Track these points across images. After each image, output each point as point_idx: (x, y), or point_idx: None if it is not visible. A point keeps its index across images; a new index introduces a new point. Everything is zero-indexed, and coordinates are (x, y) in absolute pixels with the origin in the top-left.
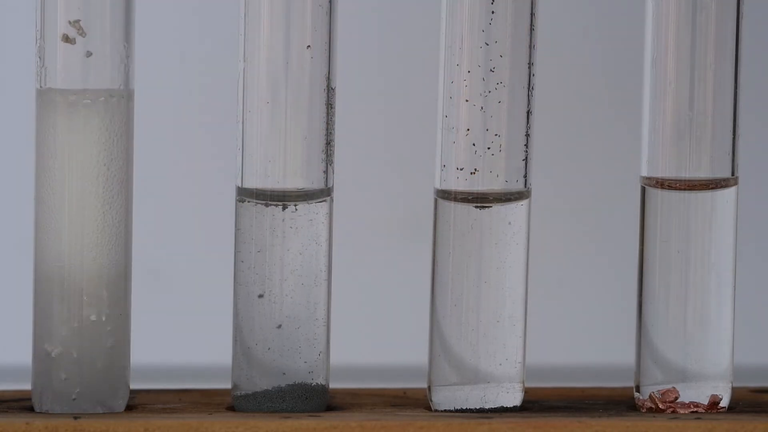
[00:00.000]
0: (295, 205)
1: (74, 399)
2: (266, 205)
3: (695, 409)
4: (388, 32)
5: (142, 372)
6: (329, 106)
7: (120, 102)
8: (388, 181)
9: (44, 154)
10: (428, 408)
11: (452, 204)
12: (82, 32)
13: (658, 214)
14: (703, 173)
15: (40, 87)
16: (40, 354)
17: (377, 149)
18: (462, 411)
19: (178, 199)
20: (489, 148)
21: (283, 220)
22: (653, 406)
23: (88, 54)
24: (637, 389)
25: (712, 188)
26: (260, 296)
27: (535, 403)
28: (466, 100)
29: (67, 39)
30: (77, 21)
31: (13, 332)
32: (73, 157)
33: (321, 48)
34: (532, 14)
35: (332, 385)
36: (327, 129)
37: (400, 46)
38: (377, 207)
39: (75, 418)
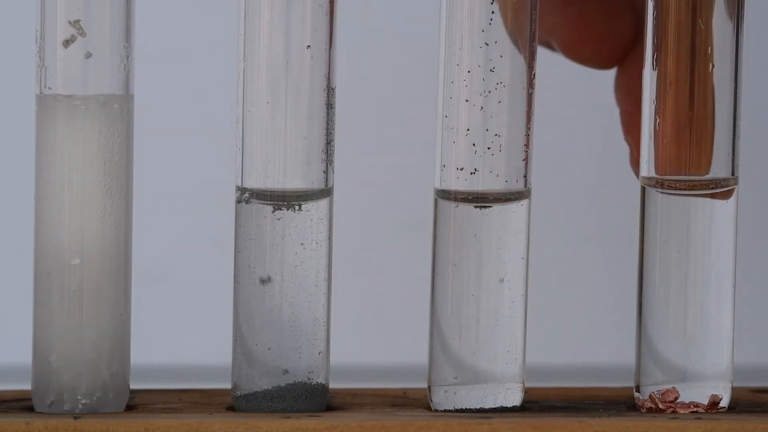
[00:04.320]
0: (295, 205)
1: (74, 399)
2: (266, 205)
3: (695, 409)
4: (388, 32)
5: (142, 372)
6: (329, 106)
7: (120, 102)
8: (388, 181)
9: (44, 155)
10: (428, 408)
11: (452, 204)
12: (82, 32)
13: (658, 214)
14: (703, 173)
15: (40, 88)
16: (40, 354)
17: (377, 149)
18: (462, 411)
19: (178, 200)
20: (489, 148)
21: (283, 220)
22: (653, 406)
23: (88, 55)
24: (637, 389)
25: (713, 188)
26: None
27: (535, 403)
28: (466, 100)
29: (67, 43)
30: (77, 21)
31: (13, 332)
32: (73, 157)
33: (321, 48)
34: (532, 14)
35: (332, 385)
36: (327, 129)
37: (400, 45)
38: (377, 207)
39: (75, 418)
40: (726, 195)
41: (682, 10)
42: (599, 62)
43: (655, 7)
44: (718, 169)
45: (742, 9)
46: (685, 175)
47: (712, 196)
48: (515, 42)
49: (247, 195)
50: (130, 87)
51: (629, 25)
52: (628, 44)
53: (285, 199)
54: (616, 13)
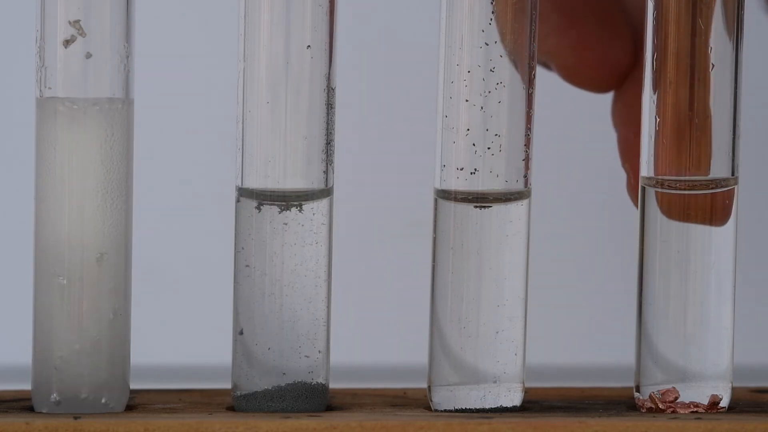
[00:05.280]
0: (295, 205)
1: (74, 399)
2: (266, 205)
3: (695, 409)
4: (388, 32)
5: (142, 372)
6: (329, 106)
7: (120, 102)
8: (388, 181)
9: (44, 155)
10: (428, 408)
11: (452, 204)
12: (82, 32)
13: (657, 214)
14: (703, 173)
15: (40, 88)
16: (40, 354)
17: (377, 149)
18: (462, 411)
19: (178, 200)
20: (489, 148)
21: (284, 221)
22: (653, 406)
23: (88, 55)
24: (637, 389)
25: (713, 188)
26: (240, 333)
27: (535, 403)
28: (466, 100)
29: (67, 43)
30: (77, 21)
31: (13, 332)
32: (73, 157)
33: (321, 48)
34: (532, 14)
35: (332, 385)
36: (327, 129)
37: (400, 46)
38: (377, 207)
39: (75, 418)
40: (726, 195)
41: (682, 10)
42: (597, 86)
43: (655, 7)
44: (718, 169)
45: (742, 9)
46: (685, 175)
47: (711, 222)
48: (513, 61)
49: (236, 194)
50: (130, 87)
51: (628, 49)
52: (626, 69)
53: (285, 199)
54: (615, 38)
